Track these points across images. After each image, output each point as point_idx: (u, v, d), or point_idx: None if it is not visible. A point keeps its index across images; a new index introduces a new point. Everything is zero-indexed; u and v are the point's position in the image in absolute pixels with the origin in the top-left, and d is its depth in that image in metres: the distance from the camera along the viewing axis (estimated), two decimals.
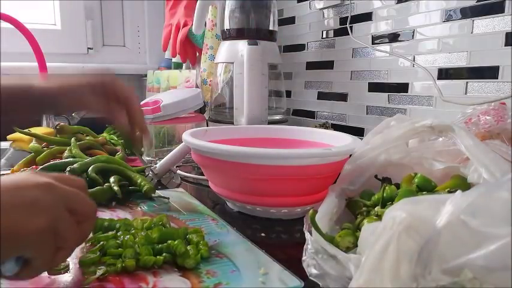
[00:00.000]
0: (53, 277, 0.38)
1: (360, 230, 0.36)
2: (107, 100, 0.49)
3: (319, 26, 1.04)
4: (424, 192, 0.40)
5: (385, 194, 0.41)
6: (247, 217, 0.58)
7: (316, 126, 0.94)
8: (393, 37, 0.84)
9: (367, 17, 0.90)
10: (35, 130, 0.89)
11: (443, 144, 0.45)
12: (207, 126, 0.96)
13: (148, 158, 0.88)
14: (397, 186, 0.43)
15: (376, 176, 0.46)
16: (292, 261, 0.41)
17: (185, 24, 1.16)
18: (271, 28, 0.93)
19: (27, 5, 1.31)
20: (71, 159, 0.72)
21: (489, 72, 0.68)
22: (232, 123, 0.89)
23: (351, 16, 0.92)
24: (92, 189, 0.58)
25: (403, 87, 0.83)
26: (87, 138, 0.90)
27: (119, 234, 0.44)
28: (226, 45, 0.93)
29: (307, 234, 0.37)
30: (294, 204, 0.55)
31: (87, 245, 0.44)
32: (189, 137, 0.58)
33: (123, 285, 0.37)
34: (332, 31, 1.00)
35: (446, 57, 0.74)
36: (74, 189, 0.34)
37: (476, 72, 0.70)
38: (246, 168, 0.51)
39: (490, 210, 0.26)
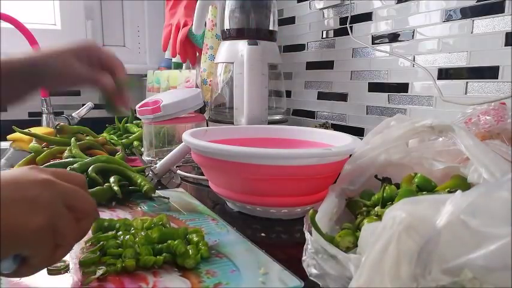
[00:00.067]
0: (53, 277, 0.38)
1: (360, 230, 0.36)
2: (91, 65, 0.51)
3: (319, 26, 1.04)
4: (424, 192, 0.40)
5: (385, 194, 0.41)
6: (247, 217, 0.58)
7: (316, 126, 0.94)
8: (393, 37, 0.84)
9: (367, 17, 0.90)
10: (35, 130, 0.89)
11: (443, 144, 0.45)
12: (207, 126, 0.96)
13: (148, 158, 0.88)
14: (397, 186, 0.43)
15: (376, 176, 0.46)
16: (292, 261, 0.41)
17: (185, 24, 1.16)
18: (271, 28, 0.93)
19: (27, 5, 1.31)
20: (71, 159, 0.72)
21: (489, 72, 0.68)
22: (232, 123, 0.89)
23: (351, 16, 0.92)
24: (92, 189, 0.59)
25: (403, 87, 0.83)
26: (87, 138, 0.90)
27: (119, 234, 0.44)
28: (226, 45, 0.93)
29: (307, 234, 0.37)
30: (294, 204, 0.55)
31: (87, 245, 0.44)
32: (189, 137, 0.58)
33: (123, 285, 0.37)
34: (332, 31, 1.00)
35: (446, 57, 0.74)
36: (73, 186, 0.34)
37: (476, 72, 0.70)
38: (246, 168, 0.51)
39: (490, 210, 0.26)
